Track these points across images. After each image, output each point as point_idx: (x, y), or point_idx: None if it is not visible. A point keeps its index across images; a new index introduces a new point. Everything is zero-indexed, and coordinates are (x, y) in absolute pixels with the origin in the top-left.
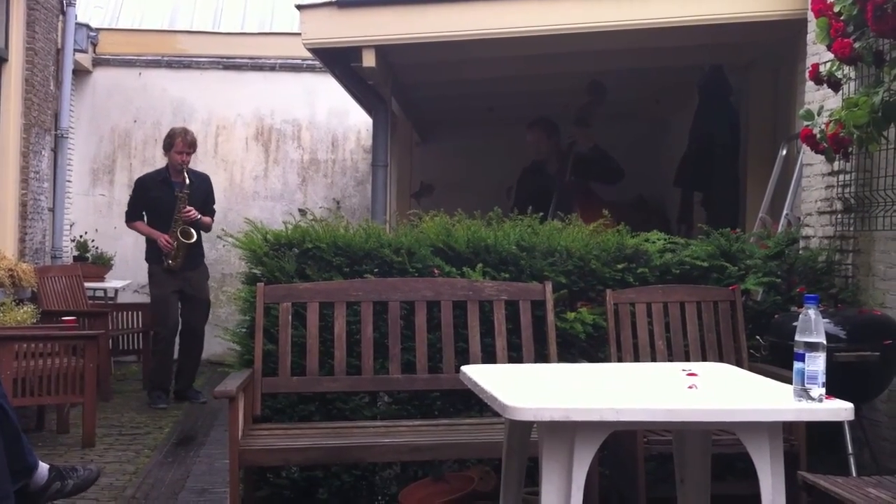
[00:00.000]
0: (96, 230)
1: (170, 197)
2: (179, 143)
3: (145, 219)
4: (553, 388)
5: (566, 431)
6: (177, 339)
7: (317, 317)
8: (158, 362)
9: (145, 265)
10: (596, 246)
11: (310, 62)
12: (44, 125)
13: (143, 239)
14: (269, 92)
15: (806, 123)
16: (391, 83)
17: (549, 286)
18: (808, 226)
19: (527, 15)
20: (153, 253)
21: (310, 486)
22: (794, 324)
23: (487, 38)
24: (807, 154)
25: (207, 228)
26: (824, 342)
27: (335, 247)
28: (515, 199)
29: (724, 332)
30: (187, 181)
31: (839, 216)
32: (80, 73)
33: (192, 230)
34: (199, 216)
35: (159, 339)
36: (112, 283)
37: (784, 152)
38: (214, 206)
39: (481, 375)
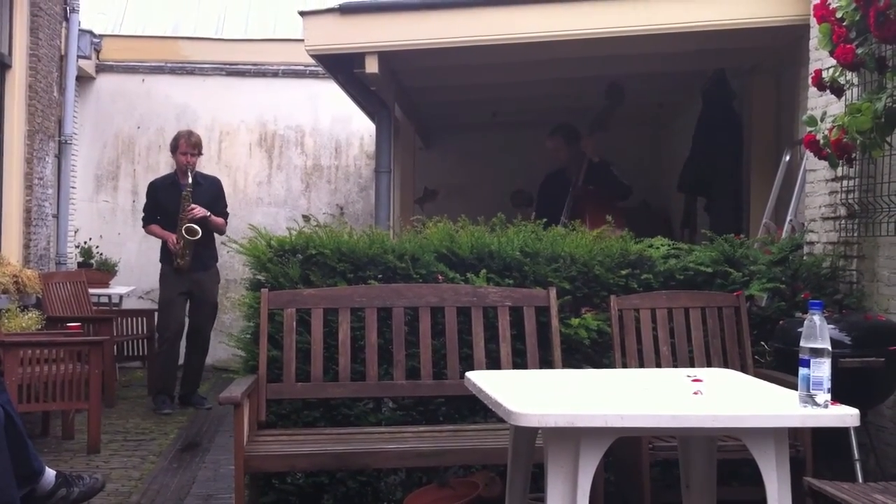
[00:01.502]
0: (100, 236)
1: (178, 199)
2: (183, 143)
3: (162, 224)
4: (558, 394)
5: (571, 437)
6: (182, 342)
7: (321, 323)
8: (162, 366)
9: (149, 271)
10: (600, 252)
11: (313, 68)
12: (47, 131)
13: (147, 245)
14: (273, 98)
15: (809, 129)
16: (394, 89)
17: (553, 292)
18: (811, 231)
19: (529, 21)
20: (165, 253)
21: (315, 491)
22: (799, 330)
23: (490, 43)
24: (810, 160)
25: (220, 230)
26: (829, 348)
27: (339, 253)
28: (538, 205)
29: (729, 337)
30: (190, 180)
31: (843, 222)
32: (83, 79)
33: (197, 227)
34: (205, 213)
35: (163, 340)
36: (116, 289)
37: (787, 158)
38: (227, 210)
39: (486, 381)
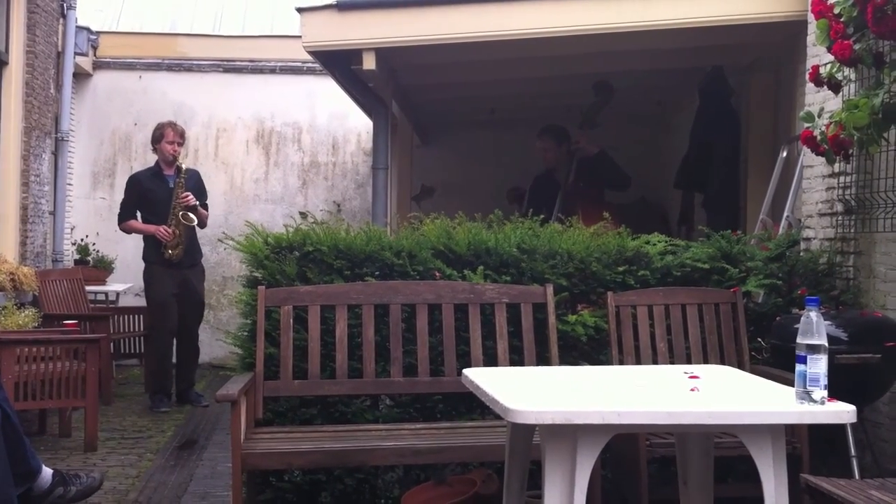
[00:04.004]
0: (97, 233)
1: (163, 189)
2: (170, 132)
3: (139, 217)
4: (555, 391)
5: (568, 434)
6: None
7: (318, 320)
8: (158, 365)
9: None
10: (597, 248)
11: (310, 65)
12: (44, 128)
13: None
14: (270, 95)
15: (806, 125)
16: (391, 85)
17: (550, 289)
18: (808, 228)
19: (527, 17)
20: (151, 250)
21: (312, 489)
22: (796, 326)
23: (488, 40)
24: (807, 156)
25: (203, 223)
26: (826, 344)
27: (336, 250)
28: (527, 207)
29: (726, 334)
30: (183, 168)
31: (840, 218)
32: (80, 76)
33: (192, 215)
34: (197, 202)
35: (158, 341)
36: (113, 286)
37: (784, 154)
38: (207, 202)
39: (483, 378)
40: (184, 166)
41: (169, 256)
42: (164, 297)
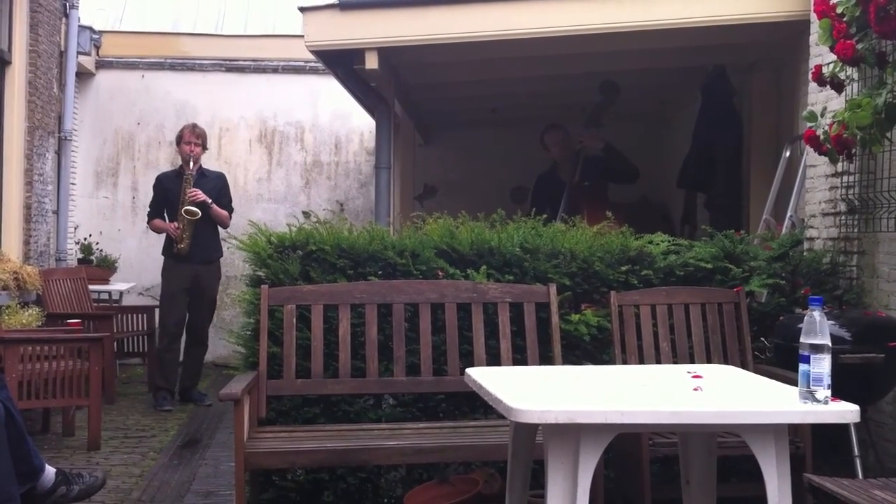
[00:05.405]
0: (100, 232)
1: (181, 188)
2: (187, 133)
3: (167, 218)
4: (558, 391)
5: (571, 434)
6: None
7: (321, 319)
8: (163, 361)
9: (150, 267)
10: (600, 248)
11: (312, 64)
12: (47, 128)
13: (147, 241)
14: (272, 94)
15: (809, 125)
16: (394, 85)
17: (553, 288)
18: (811, 227)
19: (529, 17)
20: (168, 246)
21: (315, 488)
22: (799, 325)
23: (490, 39)
24: (810, 155)
25: (223, 222)
26: (829, 344)
27: (339, 249)
28: (531, 206)
29: (729, 333)
30: (191, 165)
31: (843, 217)
32: (83, 75)
33: (196, 209)
34: (207, 199)
35: (164, 334)
36: (117, 285)
37: (787, 154)
38: (232, 205)
39: (486, 378)
40: (192, 164)
41: (177, 251)
42: (172, 290)
